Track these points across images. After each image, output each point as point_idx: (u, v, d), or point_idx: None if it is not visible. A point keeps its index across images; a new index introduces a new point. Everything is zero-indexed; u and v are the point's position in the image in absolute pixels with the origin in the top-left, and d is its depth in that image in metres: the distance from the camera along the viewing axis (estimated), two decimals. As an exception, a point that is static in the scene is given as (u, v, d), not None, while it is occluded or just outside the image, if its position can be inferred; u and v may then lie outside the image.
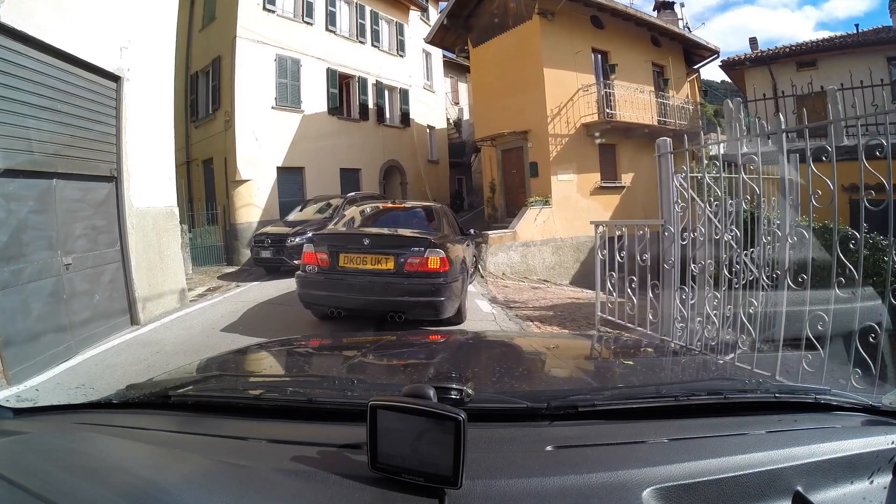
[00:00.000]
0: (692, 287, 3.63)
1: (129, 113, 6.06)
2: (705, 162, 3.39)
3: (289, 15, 13.92)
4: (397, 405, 0.77)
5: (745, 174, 3.33)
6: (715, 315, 3.52)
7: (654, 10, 17.56)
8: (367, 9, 16.42)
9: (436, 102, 20.49)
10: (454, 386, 0.98)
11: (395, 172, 17.67)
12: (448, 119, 22.13)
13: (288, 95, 13.72)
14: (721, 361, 3.29)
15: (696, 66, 17.29)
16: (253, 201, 12.83)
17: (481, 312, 6.52)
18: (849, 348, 2.73)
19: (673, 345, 3.26)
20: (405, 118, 18.02)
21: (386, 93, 17.30)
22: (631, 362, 1.77)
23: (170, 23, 7.21)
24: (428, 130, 19.63)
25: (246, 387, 1.34)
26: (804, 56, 15.74)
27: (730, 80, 19.60)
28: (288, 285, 7.70)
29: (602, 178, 13.41)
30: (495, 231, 11.83)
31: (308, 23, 14.35)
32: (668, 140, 3.70)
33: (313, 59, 14.39)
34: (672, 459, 0.84)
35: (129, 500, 0.73)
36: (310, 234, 7.33)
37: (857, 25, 15.63)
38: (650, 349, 2.16)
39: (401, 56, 17.89)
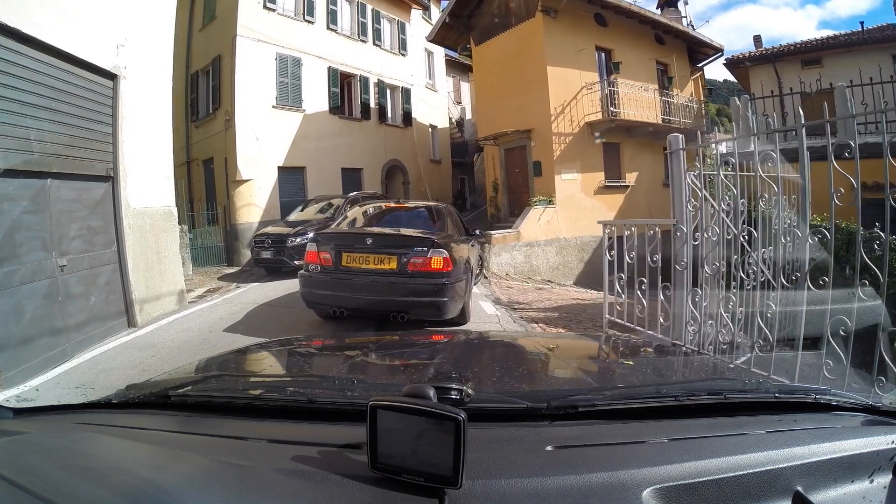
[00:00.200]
0: (704, 289, 3.50)
1: (125, 111, 5.95)
2: (719, 160, 3.25)
3: (289, 13, 13.81)
4: (397, 405, 0.77)
5: (754, 173, 3.23)
6: (729, 317, 3.39)
7: (657, 8, 17.45)
8: (369, 7, 16.31)
9: (438, 102, 20.37)
10: (454, 386, 0.97)
11: (397, 172, 17.55)
12: (450, 118, 22.01)
13: (289, 94, 13.61)
14: (732, 365, 3.20)
15: (700, 65, 17.16)
16: (253, 201, 12.71)
17: (485, 314, 6.40)
18: (870, 353, 2.62)
19: (685, 349, 3.12)
20: (407, 117, 17.90)
21: (388, 92, 17.18)
22: (631, 362, 1.76)
23: (168, 20, 7.10)
24: (430, 130, 19.52)
25: (246, 387, 1.34)
26: (809, 54, 15.65)
27: (733, 80, 19.50)
28: (288, 286, 7.61)
29: (606, 177, 13.28)
30: (499, 231, 11.71)
31: (309, 21, 14.23)
32: (681, 136, 3.57)
33: (314, 57, 14.27)
34: (672, 459, 0.84)
35: (129, 500, 0.73)
36: (311, 235, 7.23)
37: (862, 23, 15.48)
38: (650, 349, 2.15)
39: (403, 55, 17.78)
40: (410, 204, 7.17)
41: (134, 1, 6.23)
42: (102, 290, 5.58)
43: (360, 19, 16.01)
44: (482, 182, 18.75)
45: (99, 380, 4.19)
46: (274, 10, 13.26)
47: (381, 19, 16.95)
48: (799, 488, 0.81)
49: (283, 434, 0.98)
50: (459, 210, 11.56)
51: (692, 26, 16.77)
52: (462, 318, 5.41)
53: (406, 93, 17.87)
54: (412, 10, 18.34)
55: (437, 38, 15.84)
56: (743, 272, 3.26)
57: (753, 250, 3.41)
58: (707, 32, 17.06)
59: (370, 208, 6.94)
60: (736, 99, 4.32)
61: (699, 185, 3.39)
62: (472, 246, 6.68)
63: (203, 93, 13.99)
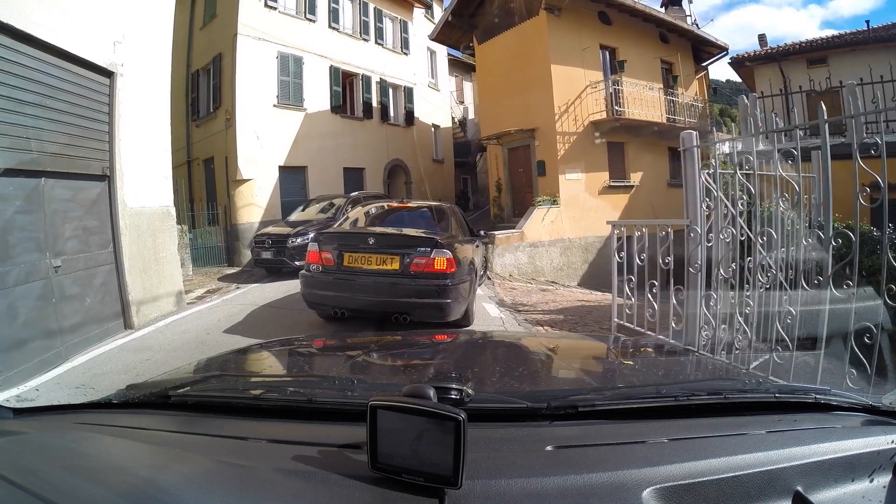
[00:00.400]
0: (719, 292, 3.36)
1: (122, 109, 5.83)
2: (736, 158, 3.12)
3: (291, 12, 13.70)
4: (397, 405, 0.77)
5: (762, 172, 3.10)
6: (743, 321, 3.25)
7: (661, 6, 17.29)
8: (371, 6, 16.19)
9: (440, 101, 20.23)
10: (454, 386, 0.97)
11: (399, 172, 17.43)
12: (453, 118, 21.90)
13: (290, 93, 13.49)
14: (746, 370, 3.08)
15: (704, 64, 16.99)
16: (254, 201, 12.60)
17: (489, 316, 6.27)
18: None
19: (697, 354, 2.99)
20: (410, 117, 17.78)
21: (390, 91, 17.06)
22: (631, 362, 1.76)
23: (166, 16, 6.98)
24: (433, 129, 19.39)
25: (246, 387, 1.32)
26: (815, 53, 15.50)
27: (737, 80, 19.37)
28: (289, 287, 7.49)
29: (611, 177, 13.13)
30: (502, 231, 11.58)
31: (310, 20, 14.12)
32: (695, 133, 3.43)
33: (316, 56, 14.16)
34: (672, 459, 0.84)
35: (129, 500, 0.73)
36: (312, 235, 7.12)
37: (867, 22, 15.43)
38: (650, 349, 2.15)
39: (405, 54, 17.66)
40: (413, 203, 7.05)
41: (131, -3, 6.13)
42: (98, 291, 5.47)
43: (363, 18, 15.90)
44: (485, 182, 18.63)
45: (91, 385, 4.06)
46: (275, 9, 13.15)
47: (384, 18, 16.84)
48: (799, 488, 0.80)
49: (283, 434, 0.97)
50: (462, 210, 11.45)
51: (697, 25, 16.63)
52: (466, 320, 5.29)
53: (408, 92, 17.74)
54: (414, 8, 18.21)
55: (440, 36, 15.71)
56: (761, 275, 3.12)
57: (771, 252, 3.29)
58: (711, 31, 16.97)
59: (372, 208, 6.84)
60: (744, 97, 4.19)
61: (715, 186, 3.24)
62: (477, 246, 6.55)
63: (204, 92, 13.89)
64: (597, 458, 0.85)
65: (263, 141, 12.68)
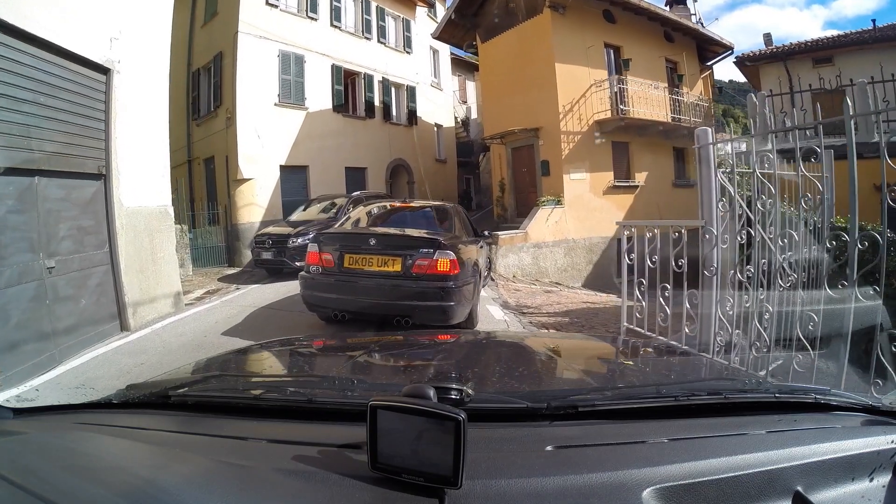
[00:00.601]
0: (734, 295, 3.22)
1: (119, 107, 5.70)
2: (754, 157, 2.98)
3: (292, 10, 13.59)
4: (397, 405, 0.77)
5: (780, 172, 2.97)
6: (762, 326, 3.12)
7: (666, 5, 17.16)
8: (374, 4, 16.08)
9: (443, 100, 20.10)
10: (454, 386, 0.97)
11: (401, 171, 17.31)
12: (456, 118, 21.77)
13: (291, 92, 13.38)
14: (763, 373, 2.95)
15: (709, 63, 16.86)
16: (255, 201, 12.48)
17: (493, 319, 6.15)
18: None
19: (714, 360, 2.86)
20: (412, 116, 17.65)
21: (392, 90, 16.95)
22: (631, 362, 1.77)
23: (165, 13, 6.85)
24: (435, 129, 19.26)
25: (246, 387, 1.31)
26: (820, 52, 15.40)
27: (739, 80, 19.33)
28: (290, 288, 7.37)
29: (615, 177, 12.99)
30: (506, 232, 11.43)
31: (312, 18, 14.00)
32: (710, 130, 3.30)
33: (318, 55, 14.04)
34: (672, 459, 0.83)
35: (129, 500, 0.73)
36: (312, 235, 7.00)
37: (874, 21, 15.18)
38: (650, 349, 2.14)
39: (408, 53, 17.54)
40: (416, 203, 6.92)
41: (128, -8, 6.00)
42: (93, 292, 5.34)
43: (365, 16, 15.79)
44: (488, 182, 18.51)
45: (77, 394, 3.94)
46: (276, 7, 13.04)
47: (386, 16, 16.71)
48: (799, 488, 0.80)
49: (283, 434, 0.97)
50: (465, 210, 11.31)
51: (701, 24, 16.49)
52: (469, 323, 5.17)
53: (411, 91, 17.62)
54: (417, 7, 18.09)
55: (443, 35, 15.58)
56: (781, 278, 2.98)
57: (790, 253, 3.16)
58: (715, 30, 16.82)
59: (374, 208, 6.71)
60: (752, 95, 4.06)
61: (734, 188, 3.10)
62: (481, 247, 6.42)
63: (204, 90, 13.79)
64: (597, 458, 0.85)
65: (264, 140, 12.56)
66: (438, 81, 19.86)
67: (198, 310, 6.93)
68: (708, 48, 16.08)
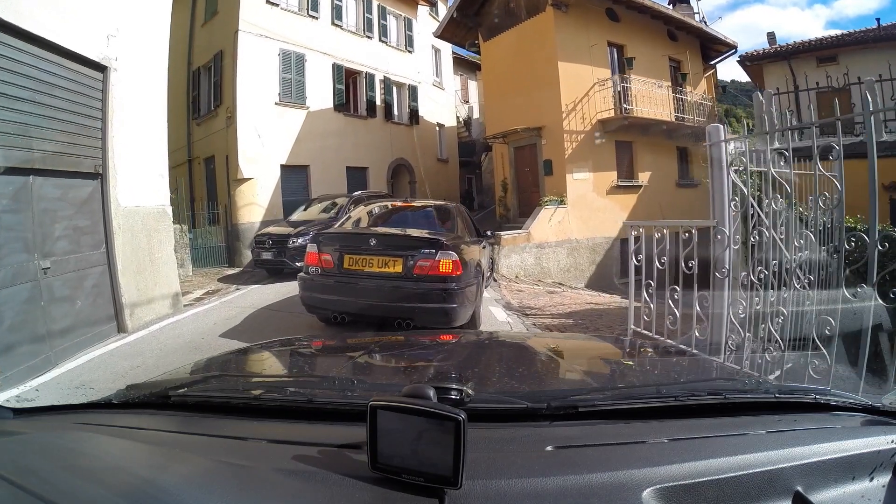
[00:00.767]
0: (748, 297, 3.12)
1: (116, 105, 5.61)
2: (769, 155, 2.88)
3: (293, 8, 13.50)
4: (397, 405, 0.76)
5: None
6: (775, 329, 3.01)
7: (669, 4, 17.01)
8: (375, 3, 16.00)
9: (445, 100, 20.00)
10: (454, 386, 0.97)
11: (403, 171, 17.21)
12: (458, 117, 21.66)
13: (292, 91, 13.29)
14: (773, 377, 2.86)
15: (713, 62, 16.75)
16: (255, 200, 12.39)
17: (496, 321, 6.05)
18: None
19: (713, 360, 2.77)
20: (414, 115, 17.55)
21: (394, 89, 16.86)
22: (631, 362, 1.77)
23: (164, 10, 6.76)
24: (437, 128, 19.15)
25: (246, 387, 1.31)
26: (824, 51, 15.30)
27: (741, 80, 19.28)
28: (290, 289, 7.26)
29: (619, 176, 12.88)
30: (508, 232, 11.34)
31: (313, 17, 13.91)
32: (722, 126, 3.19)
33: (319, 53, 13.95)
34: (672, 459, 0.83)
35: (129, 500, 0.73)
36: (312, 235, 6.91)
37: (878, 20, 15.11)
38: (651, 349, 2.13)
39: (409, 52, 17.44)
40: (418, 203, 6.81)
41: (126, -11, 5.91)
42: (90, 293, 5.25)
43: (366, 15, 15.69)
44: (490, 182, 18.41)
45: (77, 394, 3.86)
46: (277, 5, 12.96)
47: (388, 15, 16.62)
48: (799, 488, 0.81)
49: (283, 434, 0.97)
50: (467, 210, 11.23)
51: (705, 22, 16.35)
52: (472, 325, 5.05)
53: (413, 90, 17.52)
54: (419, 5, 18.00)
55: (445, 34, 15.47)
56: (795, 279, 2.87)
57: (800, 254, 3.05)
58: (718, 30, 16.67)
59: (375, 207, 6.59)
60: (759, 94, 3.96)
61: (746, 188, 3.00)
62: (484, 247, 6.32)
63: (205, 89, 13.71)
64: (597, 459, 0.85)
65: (265, 139, 12.48)
66: (440, 81, 19.75)
67: (197, 311, 6.84)
68: (711, 47, 15.97)
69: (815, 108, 2.68)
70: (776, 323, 3.05)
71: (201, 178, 13.89)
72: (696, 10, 17.07)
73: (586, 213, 12.16)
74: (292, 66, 13.27)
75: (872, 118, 2.47)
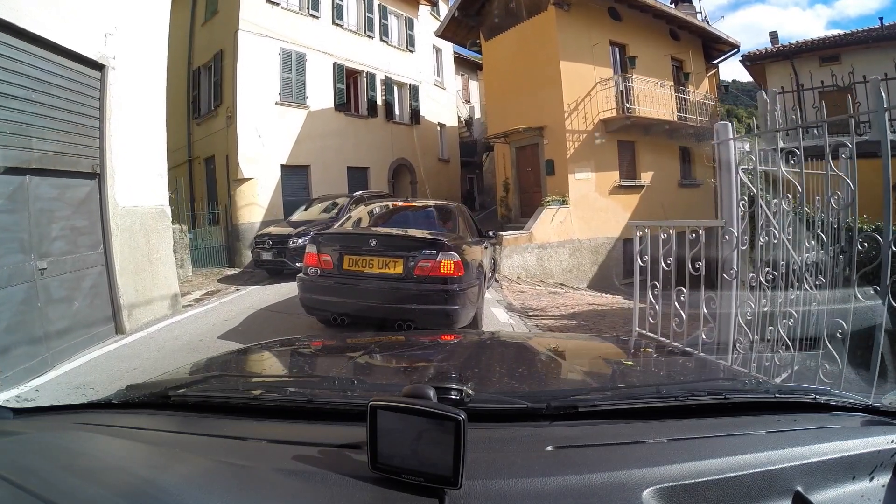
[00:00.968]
0: (758, 298, 3.06)
1: (114, 104, 5.56)
2: (779, 153, 2.81)
3: (294, 8, 13.45)
4: (397, 405, 0.76)
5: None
6: (784, 331, 2.95)
7: (671, 3, 16.93)
8: (376, 2, 15.94)
9: (446, 100, 19.93)
10: (454, 386, 0.97)
11: (404, 171, 17.15)
12: (459, 117, 21.59)
13: (293, 91, 13.24)
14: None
15: (715, 62, 16.66)
16: (256, 200, 12.34)
17: (498, 322, 5.98)
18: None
19: (726, 366, 2.71)
20: (415, 115, 17.48)
21: (395, 89, 16.79)
22: (631, 362, 1.77)
23: (162, 8, 6.72)
24: (438, 128, 19.09)
25: (246, 387, 1.31)
26: (827, 50, 15.24)
27: (743, 80, 19.25)
28: (290, 290, 7.19)
29: (621, 176, 12.81)
30: (510, 232, 11.27)
31: (314, 16, 13.86)
32: (730, 125, 3.13)
33: (319, 53, 13.89)
34: (672, 459, 0.83)
35: (129, 500, 0.73)
36: (312, 235, 6.85)
37: (881, 19, 15.10)
38: (651, 350, 2.15)
39: (410, 51, 17.38)
40: (419, 203, 6.74)
41: (125, -13, 5.86)
42: (87, 294, 5.20)
43: (367, 14, 15.64)
44: (491, 182, 18.35)
45: (73, 396, 3.80)
46: (277, 4, 12.90)
47: (389, 15, 16.56)
48: (799, 488, 0.81)
49: (283, 434, 0.97)
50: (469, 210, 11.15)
51: (707, 22, 16.28)
52: (474, 326, 4.99)
53: (414, 90, 17.46)
54: (420, 5, 17.93)
55: (446, 33, 15.42)
56: (804, 281, 2.81)
57: (808, 254, 3.00)
58: (721, 29, 16.57)
59: (376, 207, 6.53)
60: (763, 93, 3.90)
61: (755, 188, 2.93)
62: (486, 248, 6.25)
63: (205, 89, 13.65)
64: (597, 459, 0.85)
65: (265, 139, 12.42)
66: (441, 80, 19.69)
67: (196, 311, 6.79)
68: (714, 47, 15.89)
69: (822, 107, 2.60)
70: (784, 325, 3.00)
71: (201, 178, 13.84)
72: (698, 10, 17.00)
73: (588, 213, 12.09)
74: (293, 66, 13.22)
75: (885, 116, 2.41)
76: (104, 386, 3.99)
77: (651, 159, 13.36)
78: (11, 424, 1.12)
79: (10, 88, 4.29)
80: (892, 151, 2.44)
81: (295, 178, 13.34)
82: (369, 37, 15.70)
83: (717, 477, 0.79)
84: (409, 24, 17.43)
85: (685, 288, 3.45)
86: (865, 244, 2.48)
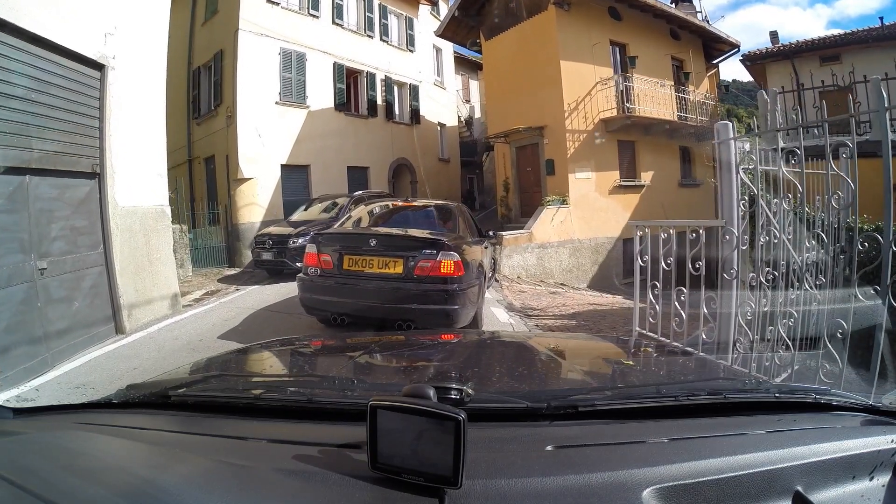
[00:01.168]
0: (759, 298, 3.05)
1: (114, 104, 5.55)
2: (780, 153, 2.81)
3: (294, 7, 13.44)
4: (397, 405, 0.77)
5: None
6: (785, 332, 2.95)
7: (671, 3, 16.92)
8: (376, 2, 15.93)
9: (446, 99, 19.92)
10: (454, 386, 0.97)
11: (404, 171, 17.14)
12: (459, 117, 21.58)
13: (293, 90, 13.23)
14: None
15: (715, 61, 16.65)
16: (256, 200, 12.33)
17: (498, 322, 5.97)
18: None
19: (726, 366, 2.70)
20: (415, 115, 17.48)
21: (395, 89, 16.79)
22: (631, 362, 1.77)
23: (162, 7, 6.71)
24: (438, 128, 19.08)
25: (246, 387, 1.30)
26: (828, 50, 15.22)
27: (742, 80, 19.21)
28: (290, 290, 7.18)
29: (621, 176, 12.80)
30: (510, 232, 11.26)
31: (314, 16, 13.85)
32: (730, 124, 3.12)
33: (319, 53, 13.88)
34: (672, 459, 0.83)
35: (129, 500, 0.73)
36: (312, 235, 6.85)
37: (881, 18, 15.09)
38: (651, 350, 2.16)
39: (410, 51, 17.37)
40: (419, 203, 6.74)
41: (124, -14, 5.85)
42: (87, 294, 5.19)
43: (367, 14, 15.63)
44: (491, 182, 18.33)
45: (73, 396, 3.80)
46: (277, 4, 12.90)
47: (389, 14, 16.55)
48: (799, 488, 0.81)
49: (283, 434, 0.97)
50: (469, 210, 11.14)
51: (707, 21, 16.27)
52: (474, 326, 4.98)
53: (414, 90, 17.45)
54: (420, 4, 17.93)
55: (446, 33, 15.42)
56: (804, 281, 2.81)
57: (808, 254, 2.99)
58: (721, 28, 16.57)
59: (376, 207, 6.52)
60: (763, 93, 3.90)
61: (756, 187, 2.93)
62: (486, 248, 6.25)
63: (205, 89, 13.64)
64: (597, 458, 0.85)
65: (265, 139, 12.42)
66: (441, 80, 19.68)
67: (196, 311, 6.78)
68: (714, 46, 15.88)
69: (823, 106, 2.60)
70: (784, 324, 2.99)
71: (201, 178, 13.83)
72: (698, 10, 17.00)
73: (588, 213, 12.09)
74: (293, 66, 13.21)
75: (886, 115, 2.40)
76: (104, 386, 3.99)
77: (651, 159, 13.36)
78: (11, 424, 1.12)
79: (9, 88, 4.28)
80: (892, 151, 2.44)
81: (295, 178, 13.33)
82: (369, 36, 15.69)
83: (716, 477, 0.79)
84: (409, 24, 17.42)
85: (685, 288, 3.45)
86: (866, 244, 2.48)
